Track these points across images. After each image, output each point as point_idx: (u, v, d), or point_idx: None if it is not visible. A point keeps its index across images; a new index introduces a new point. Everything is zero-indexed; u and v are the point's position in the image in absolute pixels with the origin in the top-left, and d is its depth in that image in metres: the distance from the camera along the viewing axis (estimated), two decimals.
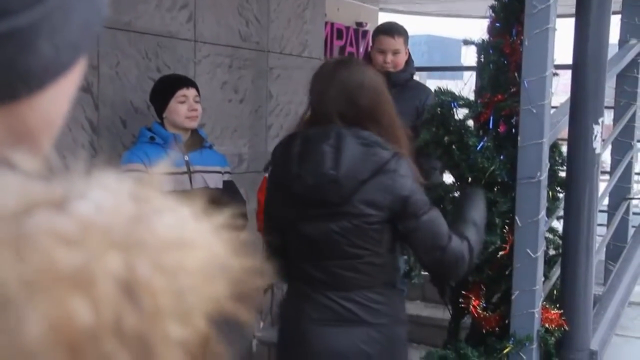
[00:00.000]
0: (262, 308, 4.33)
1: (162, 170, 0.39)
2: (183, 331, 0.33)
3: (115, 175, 0.35)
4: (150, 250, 0.33)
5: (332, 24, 5.61)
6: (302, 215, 2.12)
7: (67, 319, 0.30)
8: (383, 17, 6.39)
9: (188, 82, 3.16)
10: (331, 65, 2.16)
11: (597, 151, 2.63)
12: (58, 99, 0.43)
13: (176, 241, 0.34)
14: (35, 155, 0.40)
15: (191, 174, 3.07)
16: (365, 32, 5.85)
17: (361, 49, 5.87)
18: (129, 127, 3.33)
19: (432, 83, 3.49)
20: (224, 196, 3.16)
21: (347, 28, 5.84)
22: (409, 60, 3.75)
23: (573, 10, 2.61)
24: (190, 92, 3.11)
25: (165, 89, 3.12)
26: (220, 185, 3.17)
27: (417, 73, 4.03)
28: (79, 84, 0.44)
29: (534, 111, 2.46)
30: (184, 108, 3.08)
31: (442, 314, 2.97)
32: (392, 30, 3.69)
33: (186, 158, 3.07)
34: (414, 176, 2.08)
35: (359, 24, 5.98)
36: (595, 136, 2.60)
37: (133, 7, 3.34)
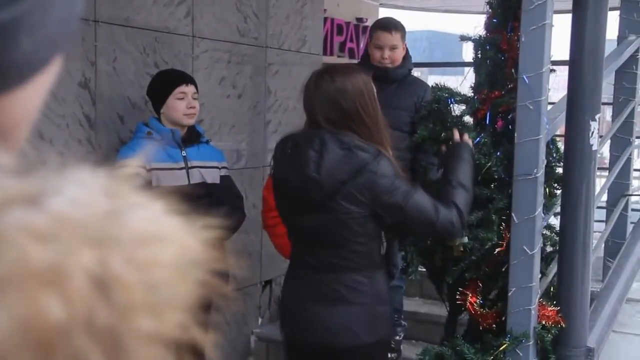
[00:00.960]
0: (260, 304, 4.33)
1: (138, 164, 0.39)
2: (156, 326, 0.33)
3: (89, 170, 0.35)
4: (124, 245, 0.32)
5: (332, 20, 5.60)
6: (295, 208, 2.37)
7: (39, 315, 0.30)
8: (383, 13, 6.40)
9: (187, 79, 3.15)
10: (316, 75, 2.37)
11: (594, 148, 2.63)
12: (35, 95, 0.43)
13: (150, 236, 0.34)
14: (10, 150, 0.40)
15: (189, 169, 3.07)
16: (365, 28, 5.83)
17: (361, 45, 5.86)
18: (126, 122, 3.32)
19: (434, 79, 3.49)
20: (221, 191, 3.16)
21: (347, 24, 5.83)
22: (407, 56, 3.74)
23: (570, 6, 2.60)
24: (189, 89, 3.11)
25: (164, 85, 3.10)
26: (218, 181, 3.17)
27: (418, 69, 4.02)
28: (54, 81, 0.44)
29: (531, 107, 2.45)
30: (182, 105, 3.07)
31: (440, 310, 2.97)
32: (389, 25, 3.68)
33: (184, 153, 3.07)
34: (394, 173, 2.27)
35: (359, 20, 5.97)
36: (592, 132, 2.59)
37: (131, 3, 3.34)
